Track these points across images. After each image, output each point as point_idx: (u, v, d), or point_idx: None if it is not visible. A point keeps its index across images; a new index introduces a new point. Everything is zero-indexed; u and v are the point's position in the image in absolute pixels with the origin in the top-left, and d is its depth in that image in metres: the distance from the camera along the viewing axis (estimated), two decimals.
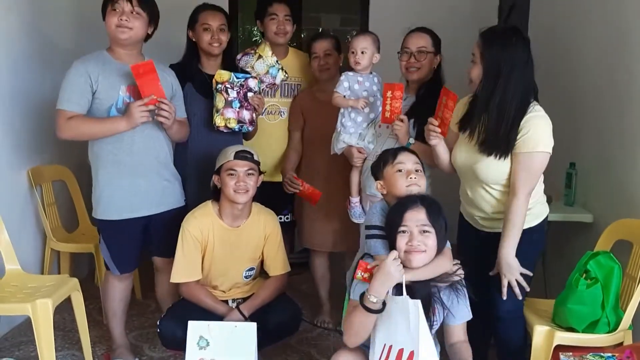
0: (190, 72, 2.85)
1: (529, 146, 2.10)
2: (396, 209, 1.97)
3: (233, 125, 2.72)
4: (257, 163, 2.53)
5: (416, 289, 1.91)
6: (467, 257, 2.33)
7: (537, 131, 2.10)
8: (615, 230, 2.43)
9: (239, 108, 2.72)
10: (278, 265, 2.63)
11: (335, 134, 2.71)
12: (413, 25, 2.70)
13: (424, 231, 1.91)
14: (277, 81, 3.10)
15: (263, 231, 2.59)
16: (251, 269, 2.63)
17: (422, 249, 1.90)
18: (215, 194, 2.56)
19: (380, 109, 2.54)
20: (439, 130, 2.25)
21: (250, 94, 2.73)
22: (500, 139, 2.12)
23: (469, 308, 2.02)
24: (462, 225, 2.45)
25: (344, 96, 2.62)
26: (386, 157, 2.14)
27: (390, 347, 1.84)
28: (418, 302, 1.82)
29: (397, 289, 1.90)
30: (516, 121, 2.11)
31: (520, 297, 2.19)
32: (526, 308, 2.38)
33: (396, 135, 2.49)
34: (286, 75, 3.12)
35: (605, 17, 2.84)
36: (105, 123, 2.42)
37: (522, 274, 2.18)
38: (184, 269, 2.50)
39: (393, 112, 2.45)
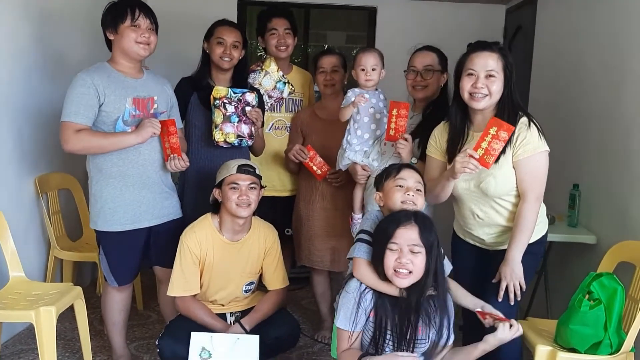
0: (199, 83, 2.89)
1: (530, 150, 2.12)
2: (389, 221, 1.97)
3: (232, 139, 2.74)
4: (259, 177, 2.54)
5: (409, 294, 1.94)
6: (466, 277, 2.34)
7: (533, 135, 2.12)
8: (618, 251, 2.44)
9: (237, 122, 2.73)
10: (278, 279, 2.63)
11: (341, 151, 2.73)
12: (419, 43, 2.73)
13: (414, 251, 1.91)
14: (285, 95, 3.15)
15: (263, 245, 2.60)
16: (251, 283, 2.63)
17: (410, 268, 1.90)
18: (214, 207, 2.56)
19: (386, 126, 2.56)
20: (477, 163, 2.07)
21: (248, 108, 2.75)
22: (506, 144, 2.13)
23: (452, 331, 2.03)
24: (462, 247, 2.43)
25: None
26: (390, 171, 2.16)
27: None
28: None
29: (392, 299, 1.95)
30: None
31: (512, 302, 2.17)
32: (528, 327, 2.38)
33: (399, 153, 2.48)
34: (292, 88, 3.17)
35: (610, 39, 2.87)
36: (115, 137, 2.43)
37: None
38: (181, 283, 2.49)
39: (397, 130, 2.46)
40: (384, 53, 2.72)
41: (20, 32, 3.01)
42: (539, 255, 2.37)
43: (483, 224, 2.28)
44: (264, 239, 2.60)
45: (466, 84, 2.15)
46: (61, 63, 3.38)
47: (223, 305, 2.62)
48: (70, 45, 3.51)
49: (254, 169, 2.52)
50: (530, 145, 2.11)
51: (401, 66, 2.73)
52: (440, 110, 2.49)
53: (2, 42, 2.85)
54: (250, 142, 2.81)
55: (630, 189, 2.63)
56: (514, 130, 2.11)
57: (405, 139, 2.46)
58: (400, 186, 2.09)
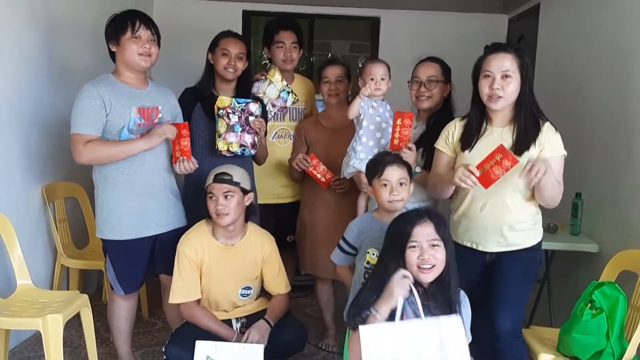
0: (203, 93, 2.91)
1: (555, 149, 2.20)
2: (403, 223, 2.00)
3: (235, 149, 2.76)
4: (236, 184, 2.51)
5: (430, 292, 1.96)
6: (468, 283, 2.35)
7: (558, 138, 2.22)
8: (621, 260, 2.46)
9: (240, 132, 2.75)
10: (281, 284, 2.67)
11: (346, 158, 2.75)
12: (422, 53, 2.76)
13: (434, 245, 1.95)
14: (288, 104, 3.17)
15: (260, 252, 2.62)
16: (248, 288, 2.63)
17: (433, 262, 1.94)
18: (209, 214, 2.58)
19: (390, 135, 2.58)
20: (476, 180, 2.10)
21: (251, 118, 2.77)
22: (529, 138, 2.19)
23: (469, 331, 2.03)
24: (460, 253, 2.35)
25: (360, 115, 2.66)
26: (376, 169, 2.28)
27: None
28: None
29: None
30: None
31: (532, 175, 2.08)
32: (531, 336, 2.39)
33: None
34: (296, 97, 3.20)
35: (612, 48, 2.89)
36: (124, 145, 2.46)
37: (518, 299, 2.23)
38: (182, 289, 2.52)
39: (402, 139, 2.49)
40: (388, 62, 2.75)
41: (27, 41, 3.04)
42: (535, 263, 2.37)
43: (485, 217, 2.27)
44: (260, 246, 2.62)
45: (484, 86, 2.21)
46: (67, 72, 3.41)
47: (227, 312, 2.64)
48: (76, 54, 3.54)
49: (231, 176, 2.50)
50: (556, 146, 2.20)
51: (404, 73, 2.75)
52: (444, 120, 2.51)
53: (8, 51, 2.88)
54: (253, 152, 2.83)
55: (632, 197, 2.64)
56: (540, 132, 2.19)
57: (409, 148, 2.49)
58: (385, 185, 2.25)
